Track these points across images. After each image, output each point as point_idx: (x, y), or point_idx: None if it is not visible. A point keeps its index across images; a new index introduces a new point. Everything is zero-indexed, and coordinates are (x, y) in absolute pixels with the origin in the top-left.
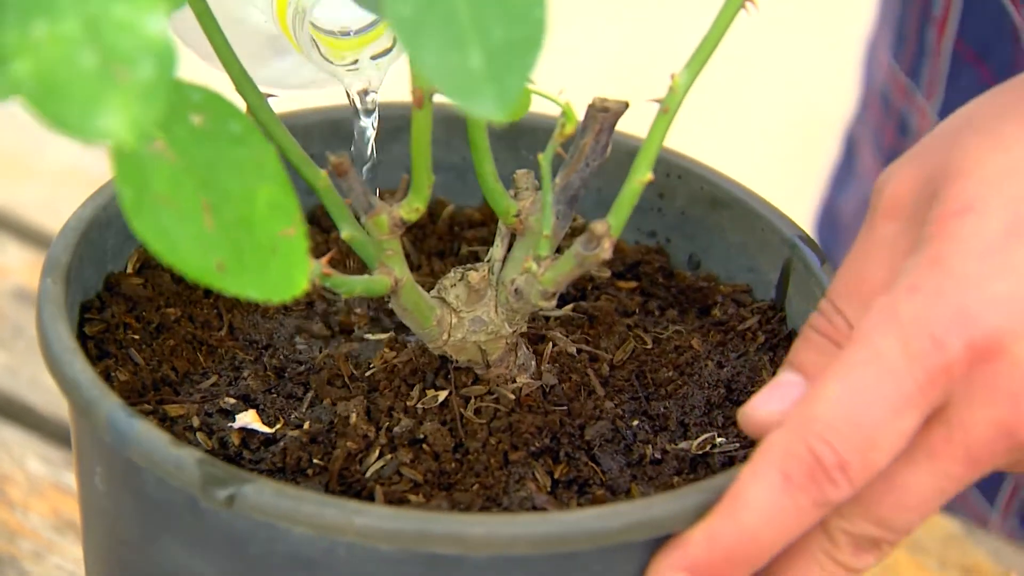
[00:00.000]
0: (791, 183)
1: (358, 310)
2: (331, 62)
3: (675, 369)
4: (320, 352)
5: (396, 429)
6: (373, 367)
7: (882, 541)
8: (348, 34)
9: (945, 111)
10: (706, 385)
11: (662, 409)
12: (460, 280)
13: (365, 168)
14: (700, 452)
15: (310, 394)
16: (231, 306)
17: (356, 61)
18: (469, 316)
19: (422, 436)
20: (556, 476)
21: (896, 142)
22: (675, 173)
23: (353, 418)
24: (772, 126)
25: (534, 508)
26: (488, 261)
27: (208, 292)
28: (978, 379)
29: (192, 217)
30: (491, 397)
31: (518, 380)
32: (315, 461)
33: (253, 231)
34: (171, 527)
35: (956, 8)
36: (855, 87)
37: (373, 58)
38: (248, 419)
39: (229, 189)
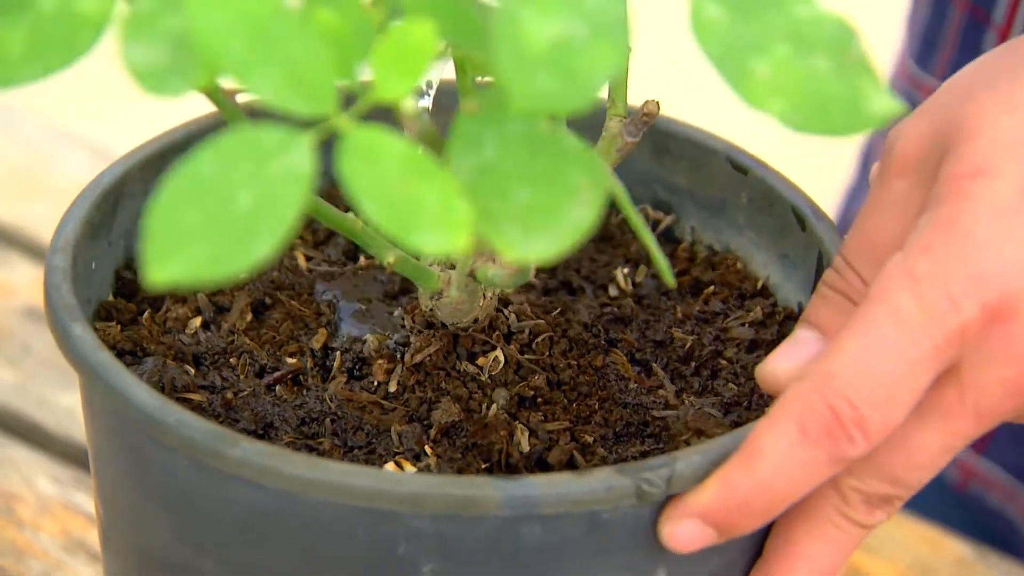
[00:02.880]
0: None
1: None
2: None
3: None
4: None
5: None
6: (407, 359)
7: (893, 498)
8: None
9: None
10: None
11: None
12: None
13: None
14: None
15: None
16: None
17: None
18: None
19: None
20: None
21: None
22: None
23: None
24: (789, 134)
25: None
26: None
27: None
28: (990, 340)
29: None
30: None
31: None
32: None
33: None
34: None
35: (1022, 14)
36: None
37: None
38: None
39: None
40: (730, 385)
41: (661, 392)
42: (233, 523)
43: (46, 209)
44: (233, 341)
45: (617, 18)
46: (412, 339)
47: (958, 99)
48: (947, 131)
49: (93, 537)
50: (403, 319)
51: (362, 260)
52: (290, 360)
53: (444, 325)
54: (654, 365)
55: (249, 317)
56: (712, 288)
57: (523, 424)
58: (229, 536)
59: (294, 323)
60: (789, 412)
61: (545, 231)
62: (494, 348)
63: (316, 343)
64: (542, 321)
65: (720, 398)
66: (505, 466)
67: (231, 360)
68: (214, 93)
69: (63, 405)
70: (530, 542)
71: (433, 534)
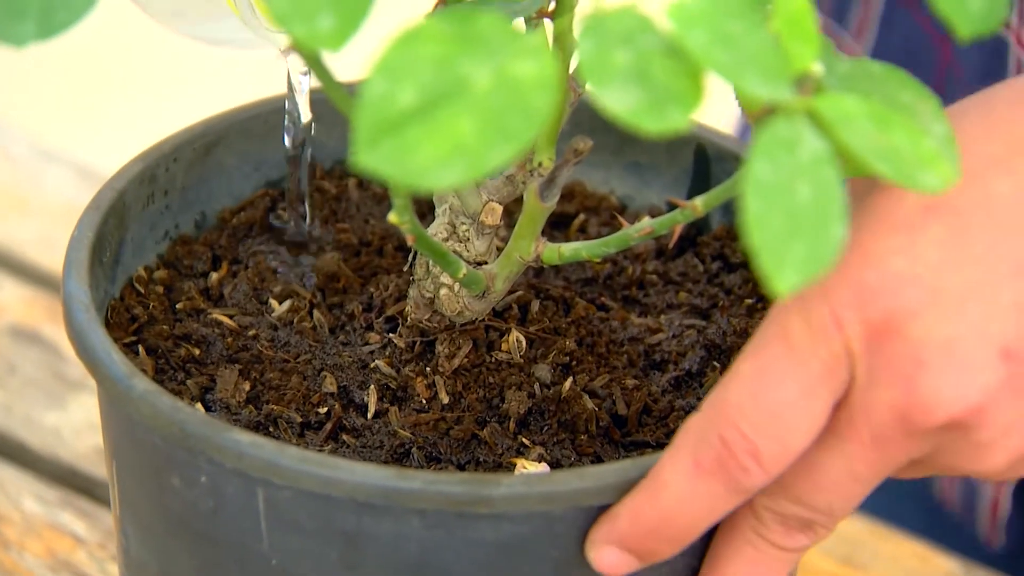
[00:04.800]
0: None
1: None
2: (270, 29)
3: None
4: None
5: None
6: (444, 366)
7: (812, 522)
8: None
9: (877, 54)
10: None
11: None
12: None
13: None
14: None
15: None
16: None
17: None
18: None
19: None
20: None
21: None
22: None
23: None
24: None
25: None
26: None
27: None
28: (876, 359)
29: None
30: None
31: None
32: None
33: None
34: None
35: None
36: None
37: None
38: None
39: None
40: (681, 294)
41: (639, 321)
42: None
43: (32, 228)
44: (257, 410)
45: None
46: (438, 347)
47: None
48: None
49: (79, 557)
50: (380, 332)
51: (284, 307)
52: (321, 410)
53: (450, 326)
54: (608, 302)
55: (247, 387)
56: (581, 217)
57: (583, 390)
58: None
59: (289, 376)
60: (686, 443)
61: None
62: (507, 332)
63: (331, 386)
64: (521, 293)
65: (681, 308)
66: (598, 432)
67: (270, 429)
68: None
69: (49, 425)
70: None
71: None
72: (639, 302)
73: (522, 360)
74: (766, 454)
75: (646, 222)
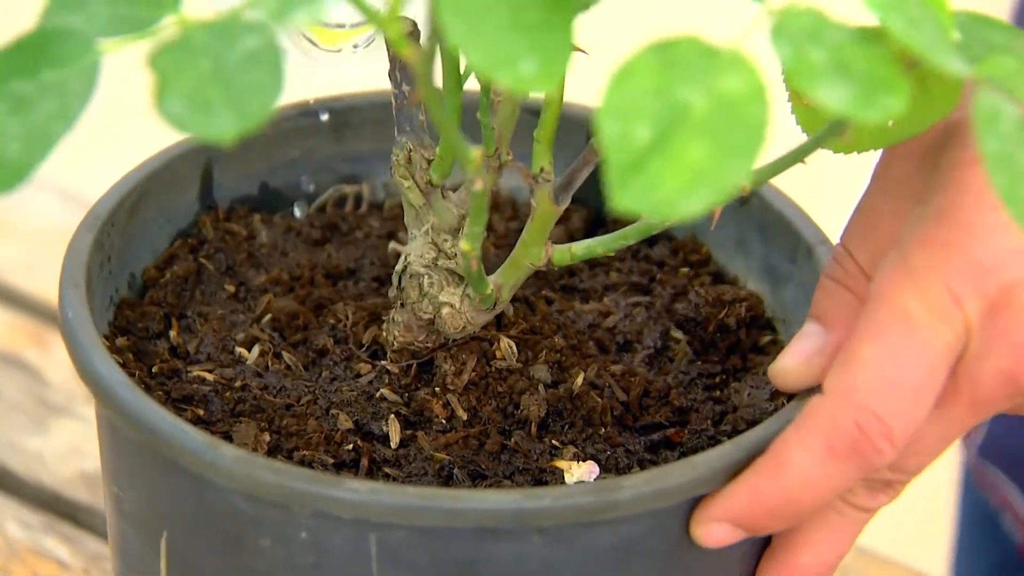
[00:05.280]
0: None
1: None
2: (317, 46)
3: None
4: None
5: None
6: (455, 383)
7: (894, 482)
8: (343, 26)
9: None
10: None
11: None
12: None
13: None
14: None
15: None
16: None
17: (340, 50)
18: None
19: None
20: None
21: None
22: None
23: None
24: None
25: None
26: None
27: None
28: (987, 330)
29: None
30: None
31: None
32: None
33: None
34: None
35: None
36: None
37: (355, 47)
38: None
39: None
40: (612, 274)
41: (588, 308)
42: None
43: (16, 252)
44: (288, 458)
45: None
46: (442, 365)
47: (967, 86)
48: (954, 117)
49: None
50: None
51: (255, 353)
52: (346, 448)
53: (443, 344)
54: (550, 294)
55: (267, 437)
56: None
57: (589, 383)
58: None
59: (304, 420)
60: (816, 429)
61: None
62: (496, 340)
63: (346, 423)
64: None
65: (620, 289)
66: (613, 422)
67: None
68: None
69: (32, 449)
70: None
71: None
72: (577, 289)
73: (520, 364)
74: (898, 434)
75: None
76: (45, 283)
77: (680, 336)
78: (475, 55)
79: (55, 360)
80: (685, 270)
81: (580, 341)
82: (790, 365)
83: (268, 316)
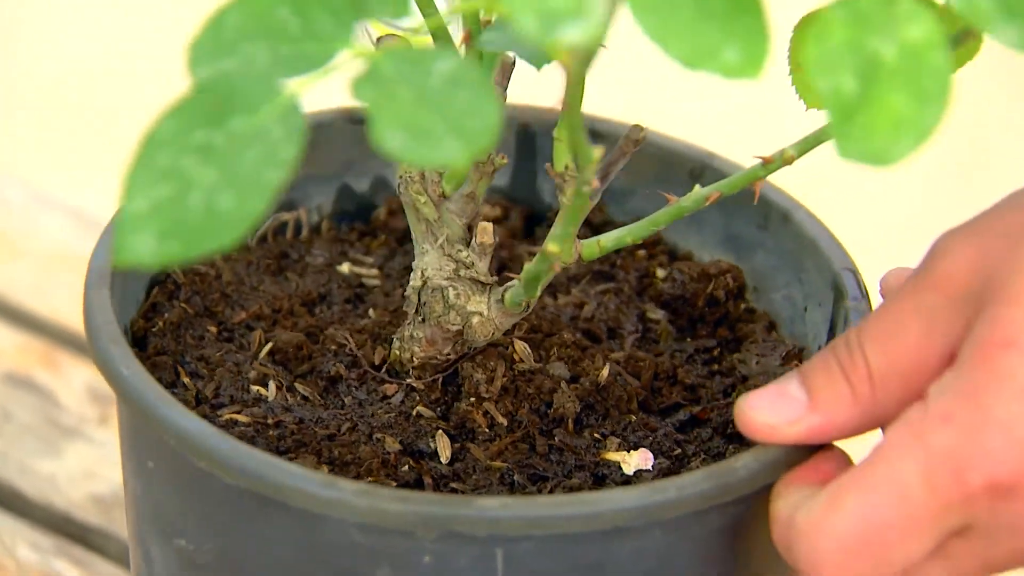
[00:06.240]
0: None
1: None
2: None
3: None
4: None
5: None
6: (490, 390)
7: None
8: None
9: None
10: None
11: None
12: None
13: None
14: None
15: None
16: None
17: None
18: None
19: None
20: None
21: None
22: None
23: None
24: None
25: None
26: None
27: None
28: (1000, 516)
29: None
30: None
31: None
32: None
33: None
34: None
35: None
36: None
37: None
38: None
39: None
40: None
41: (562, 301)
42: None
43: (27, 273)
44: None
45: None
46: (473, 374)
47: (1013, 239)
48: (994, 275)
49: None
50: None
51: (272, 389)
52: (403, 470)
53: (464, 354)
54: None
55: (325, 470)
56: None
57: (616, 374)
58: None
59: (355, 448)
60: (788, 557)
61: None
62: (509, 344)
63: (394, 445)
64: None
65: (585, 278)
66: (639, 408)
67: None
68: None
69: (44, 472)
70: None
71: None
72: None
73: (539, 364)
74: None
75: (707, 189)
76: (55, 304)
77: (659, 316)
78: (675, 49)
79: (66, 381)
80: (641, 252)
81: (574, 335)
82: (760, 419)
83: (266, 351)
